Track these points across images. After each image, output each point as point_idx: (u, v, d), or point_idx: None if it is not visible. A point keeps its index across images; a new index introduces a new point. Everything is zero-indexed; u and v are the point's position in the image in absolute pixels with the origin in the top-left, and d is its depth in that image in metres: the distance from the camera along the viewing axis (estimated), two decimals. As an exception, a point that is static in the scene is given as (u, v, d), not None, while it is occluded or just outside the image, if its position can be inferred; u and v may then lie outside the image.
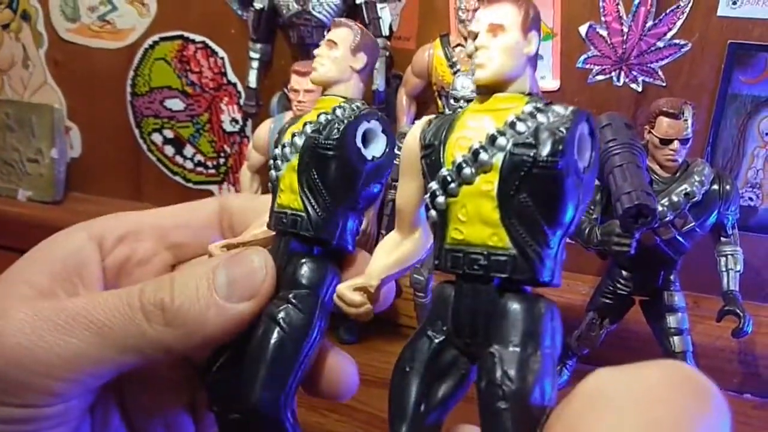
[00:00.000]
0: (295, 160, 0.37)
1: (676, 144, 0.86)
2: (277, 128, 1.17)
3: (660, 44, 1.16)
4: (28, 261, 0.37)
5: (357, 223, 0.38)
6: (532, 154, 0.29)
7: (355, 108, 0.37)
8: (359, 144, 0.36)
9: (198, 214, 0.43)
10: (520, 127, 0.29)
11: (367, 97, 1.29)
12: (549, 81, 1.23)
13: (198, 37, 1.44)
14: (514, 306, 0.29)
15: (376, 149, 0.37)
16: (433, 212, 0.31)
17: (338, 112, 0.37)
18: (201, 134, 1.52)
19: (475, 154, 0.30)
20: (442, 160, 0.31)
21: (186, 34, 1.45)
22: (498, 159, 0.29)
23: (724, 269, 0.93)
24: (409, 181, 0.34)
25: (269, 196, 0.40)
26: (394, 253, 0.35)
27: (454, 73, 1.13)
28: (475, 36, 0.32)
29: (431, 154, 0.32)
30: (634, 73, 1.19)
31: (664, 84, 1.18)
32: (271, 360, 0.34)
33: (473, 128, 0.31)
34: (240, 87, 1.44)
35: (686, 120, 0.86)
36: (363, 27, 0.41)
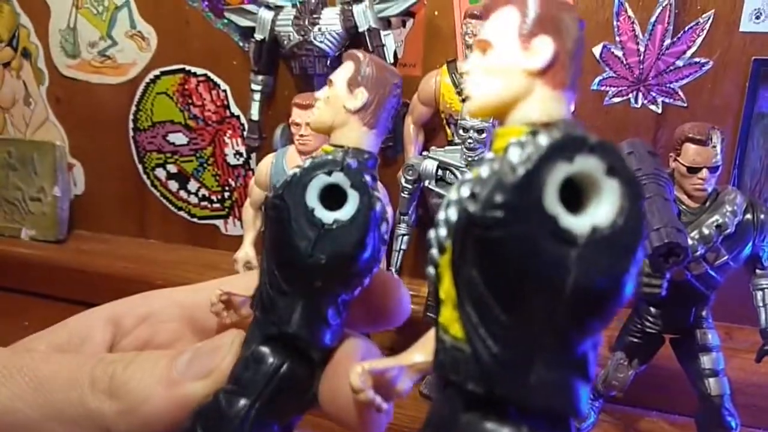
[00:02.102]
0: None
1: (704, 172, 0.80)
2: (279, 163, 1.12)
3: (679, 63, 1.10)
4: (44, 330, 0.35)
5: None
6: (471, 208, 0.21)
7: (320, 159, 0.30)
8: (312, 204, 0.28)
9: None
10: (484, 170, 0.22)
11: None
12: (563, 105, 1.17)
13: (199, 70, 1.41)
14: (475, 429, 0.21)
15: (345, 210, 0.29)
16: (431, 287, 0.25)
17: (306, 163, 0.30)
18: (205, 168, 1.48)
19: (446, 207, 0.23)
20: None
21: (187, 67, 1.42)
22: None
23: (761, 304, 0.86)
24: None
25: None
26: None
27: (463, 100, 1.08)
28: None
29: None
30: (653, 93, 1.13)
31: (685, 104, 1.12)
32: None
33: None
34: (243, 119, 1.40)
35: (714, 146, 0.80)
36: (375, 56, 0.33)
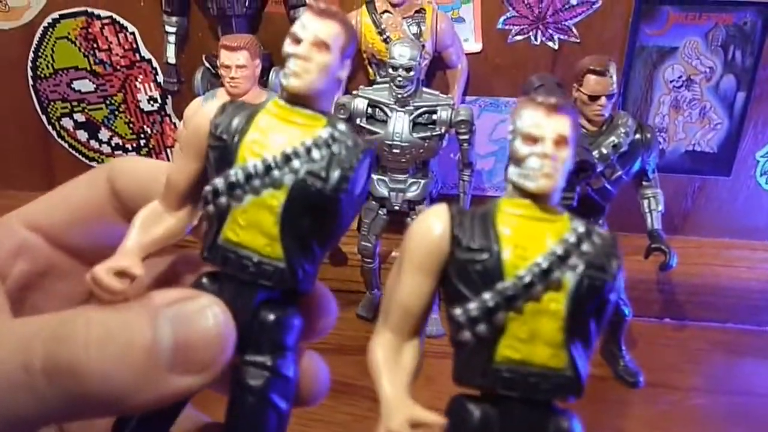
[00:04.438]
0: (272, 199, 0.30)
1: (603, 100, 0.93)
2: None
3: (573, 2, 1.22)
4: None
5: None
6: (598, 283, 0.29)
7: (351, 143, 0.31)
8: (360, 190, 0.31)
9: (87, 203, 0.36)
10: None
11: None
12: (471, 44, 1.26)
13: (104, 12, 1.35)
14: (561, 426, 0.30)
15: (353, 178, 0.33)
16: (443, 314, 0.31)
17: (334, 147, 0.30)
18: (116, 116, 1.45)
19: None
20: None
21: (90, 9, 1.35)
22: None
23: (647, 210, 1.03)
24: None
25: (160, 162, 0.35)
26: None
27: (384, 40, 1.14)
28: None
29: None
30: (550, 31, 1.25)
31: (578, 40, 1.24)
32: None
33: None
34: (155, 63, 1.38)
35: (611, 76, 0.92)
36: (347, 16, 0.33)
